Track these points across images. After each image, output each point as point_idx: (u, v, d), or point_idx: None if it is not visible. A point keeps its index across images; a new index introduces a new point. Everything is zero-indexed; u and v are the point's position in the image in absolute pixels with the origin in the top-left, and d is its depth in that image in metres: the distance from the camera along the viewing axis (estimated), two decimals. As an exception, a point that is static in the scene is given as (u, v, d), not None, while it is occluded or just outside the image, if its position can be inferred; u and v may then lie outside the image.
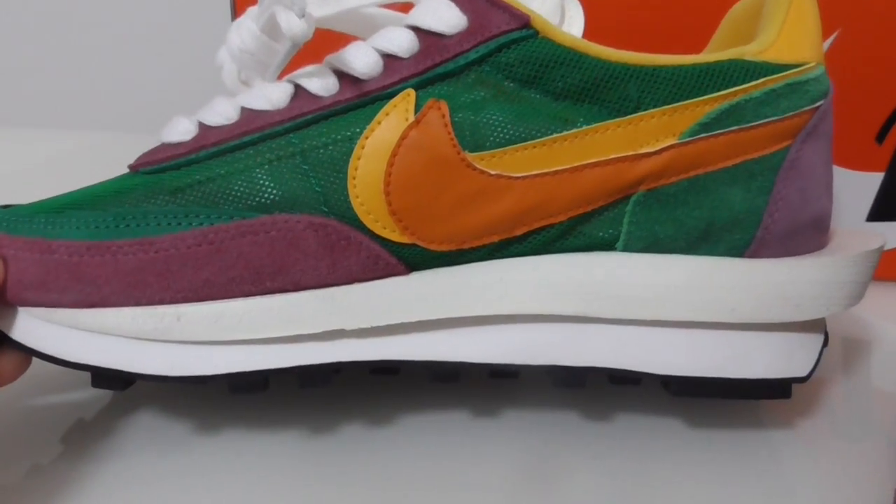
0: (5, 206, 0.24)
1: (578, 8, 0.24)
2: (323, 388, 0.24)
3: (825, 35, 0.32)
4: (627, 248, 0.24)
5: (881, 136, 0.33)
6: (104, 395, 0.27)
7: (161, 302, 0.23)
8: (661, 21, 0.32)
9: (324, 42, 0.26)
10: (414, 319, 0.23)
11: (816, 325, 0.25)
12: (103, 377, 0.23)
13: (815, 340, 0.24)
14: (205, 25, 0.24)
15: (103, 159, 0.24)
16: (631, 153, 0.23)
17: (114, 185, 0.24)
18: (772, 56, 0.23)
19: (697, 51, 0.27)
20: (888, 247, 0.36)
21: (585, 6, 0.25)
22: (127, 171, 0.25)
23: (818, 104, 0.24)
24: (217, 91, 0.26)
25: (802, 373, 0.24)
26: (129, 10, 0.64)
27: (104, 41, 0.66)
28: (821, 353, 0.25)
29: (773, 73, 0.23)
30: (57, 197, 0.24)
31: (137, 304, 0.23)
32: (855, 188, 0.35)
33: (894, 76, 0.33)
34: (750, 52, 0.23)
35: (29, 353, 0.23)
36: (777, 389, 0.24)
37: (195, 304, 0.23)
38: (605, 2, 0.25)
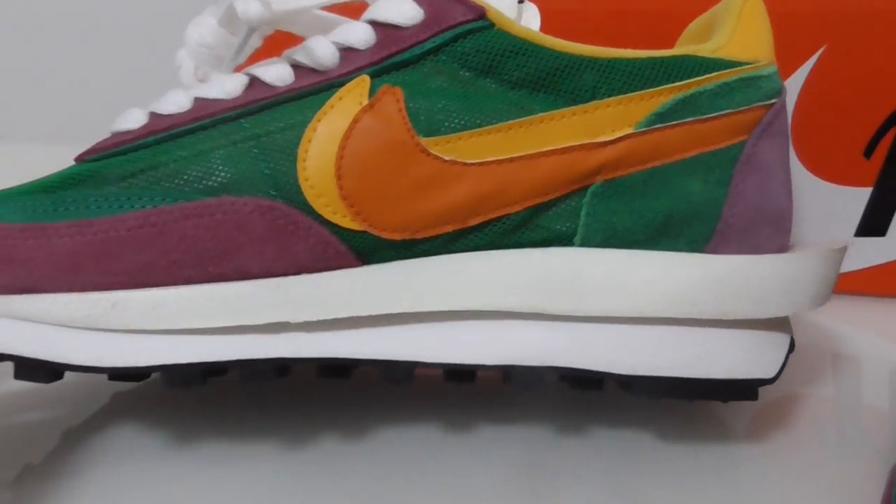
0: None
1: (535, 10, 0.25)
2: (265, 383, 0.22)
3: (811, 51, 0.33)
4: (586, 242, 0.23)
5: (869, 151, 0.34)
6: (74, 404, 0.25)
7: (96, 288, 0.21)
8: (619, 35, 0.32)
9: (285, 47, 0.26)
10: (365, 314, 0.22)
11: (782, 326, 0.24)
12: (27, 368, 0.22)
13: (782, 341, 0.24)
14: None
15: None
16: (587, 141, 0.23)
17: (58, 174, 0.23)
18: (725, 54, 0.24)
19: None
20: (878, 262, 0.35)
21: (543, 14, 0.26)
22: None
23: (772, 101, 0.24)
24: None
25: (769, 374, 0.23)
26: (115, 14, 0.64)
27: (81, 53, 0.66)
28: (787, 357, 0.24)
29: (725, 68, 0.23)
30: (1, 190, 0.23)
31: (71, 289, 0.21)
32: (843, 203, 0.35)
33: (881, 91, 0.33)
34: (703, 49, 0.24)
35: None
36: (743, 391, 0.23)
37: (132, 290, 0.22)
38: (561, 9, 0.26)
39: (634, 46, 0.24)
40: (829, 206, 0.35)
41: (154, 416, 0.25)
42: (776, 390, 0.28)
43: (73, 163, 0.24)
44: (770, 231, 0.24)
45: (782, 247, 0.24)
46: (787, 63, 0.33)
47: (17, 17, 0.67)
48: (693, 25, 0.28)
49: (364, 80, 0.23)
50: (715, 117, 0.23)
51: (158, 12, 0.62)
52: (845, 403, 0.28)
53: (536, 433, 0.25)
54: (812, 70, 0.32)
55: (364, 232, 0.22)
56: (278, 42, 0.26)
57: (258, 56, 0.26)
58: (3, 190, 0.23)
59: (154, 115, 0.24)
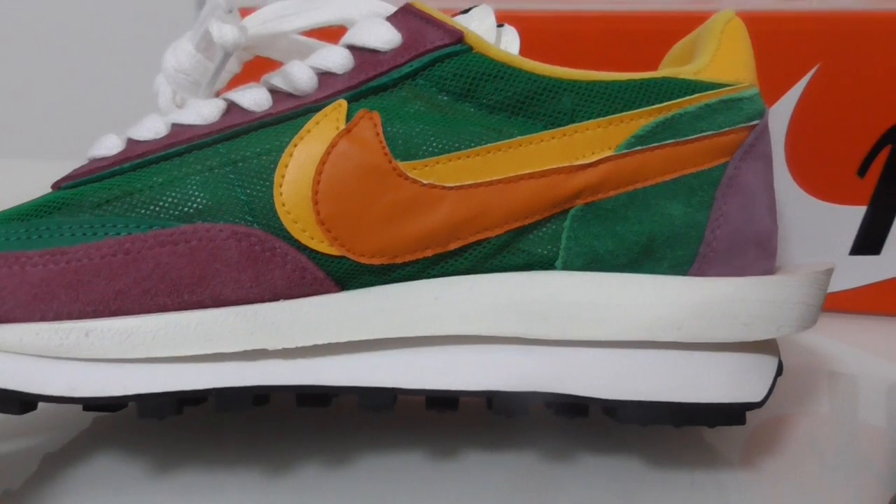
0: None
1: (514, 34, 0.25)
2: (240, 412, 0.22)
3: (805, 70, 0.33)
4: (567, 266, 0.23)
5: (863, 170, 0.33)
6: (52, 430, 0.25)
7: (69, 317, 0.21)
8: (619, 59, 0.32)
9: (265, 73, 0.25)
10: (343, 340, 0.22)
11: (769, 349, 0.23)
12: (2, 400, 0.21)
13: (769, 364, 0.23)
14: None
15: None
16: (566, 164, 0.22)
17: (33, 202, 0.23)
18: (706, 76, 0.24)
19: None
20: (873, 280, 0.35)
21: (540, 44, 0.26)
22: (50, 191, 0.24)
23: (754, 123, 0.24)
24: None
25: (757, 398, 0.23)
26: (96, 37, 0.65)
27: (66, 67, 0.66)
28: (775, 380, 0.23)
29: (707, 90, 0.23)
30: None
31: (43, 318, 0.21)
32: (838, 222, 0.34)
33: (875, 110, 0.33)
34: (684, 71, 0.24)
35: None
36: (731, 415, 0.23)
37: (106, 319, 0.21)
38: (560, 40, 0.26)
39: (619, 69, 0.24)
40: (823, 225, 0.34)
41: (134, 444, 0.25)
42: (770, 411, 0.27)
43: (48, 187, 0.24)
44: (755, 253, 0.24)
45: (767, 269, 0.24)
46: (781, 82, 0.33)
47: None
48: (676, 48, 0.28)
49: (341, 105, 0.22)
50: (696, 139, 0.23)
51: (140, 34, 0.62)
52: (841, 424, 0.27)
53: (523, 460, 0.24)
54: (805, 89, 0.32)
55: (342, 257, 0.22)
56: (258, 67, 0.26)
57: (237, 82, 0.26)
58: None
59: (131, 142, 0.23)
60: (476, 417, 0.26)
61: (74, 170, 0.23)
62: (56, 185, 0.23)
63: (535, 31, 0.27)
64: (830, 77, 0.33)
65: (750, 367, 0.23)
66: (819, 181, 0.34)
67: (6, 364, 0.21)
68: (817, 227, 0.34)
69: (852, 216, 0.34)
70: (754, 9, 0.32)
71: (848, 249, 0.35)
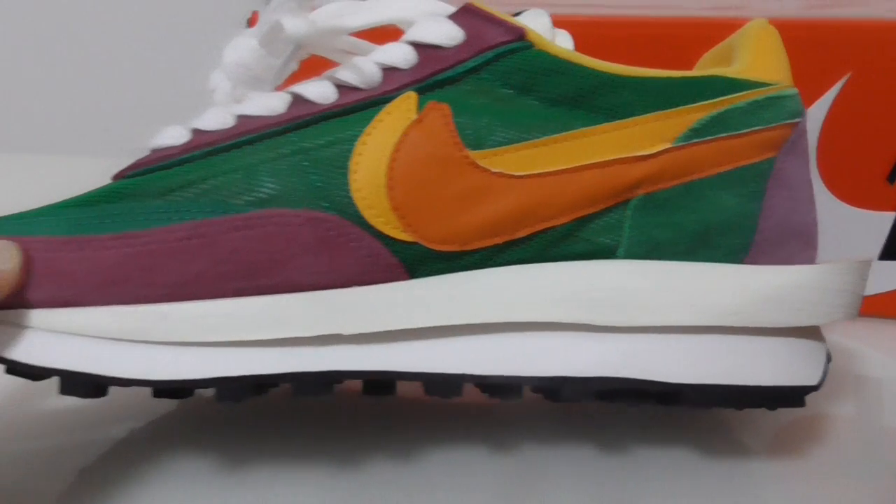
0: None
1: (568, 38, 0.26)
2: (318, 398, 0.22)
3: (836, 78, 0.34)
4: (629, 255, 0.24)
5: (893, 176, 0.34)
6: (117, 422, 0.24)
7: (145, 300, 0.21)
8: (647, 65, 0.33)
9: (319, 72, 0.26)
10: (413, 326, 0.22)
11: (817, 337, 0.24)
12: (73, 383, 0.21)
13: (819, 350, 0.24)
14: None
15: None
16: (628, 155, 0.23)
17: (98, 191, 0.23)
18: (749, 76, 0.25)
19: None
20: None
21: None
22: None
23: (796, 120, 0.25)
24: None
25: (813, 381, 0.23)
26: (147, 35, 0.64)
27: (121, 66, 0.65)
28: (826, 367, 0.24)
29: (753, 88, 0.24)
30: (37, 208, 0.23)
31: (118, 301, 0.21)
32: (867, 227, 0.35)
33: None
34: (730, 71, 0.25)
35: None
36: (790, 398, 0.23)
37: (181, 302, 0.21)
38: (591, 46, 0.27)
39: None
40: (853, 230, 0.35)
41: (195, 438, 0.24)
42: (796, 411, 0.28)
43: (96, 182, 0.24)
44: (799, 244, 0.25)
45: (810, 259, 0.25)
46: (813, 89, 0.34)
47: (47, 32, 0.66)
48: (708, 55, 0.29)
49: (411, 97, 0.23)
50: (746, 133, 0.24)
51: (188, 31, 0.62)
52: (866, 427, 0.28)
53: (582, 452, 0.25)
54: (837, 96, 0.33)
55: (414, 243, 0.22)
56: (312, 68, 0.27)
57: (294, 80, 0.26)
58: (44, 207, 0.23)
59: (197, 131, 0.23)
60: (535, 408, 0.26)
61: (137, 160, 0.23)
62: (119, 175, 0.23)
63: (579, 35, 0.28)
64: (861, 85, 0.34)
65: (804, 352, 0.24)
66: (849, 187, 0.35)
67: (79, 347, 0.21)
68: (847, 232, 0.35)
69: (881, 222, 0.35)
70: (787, 16, 0.33)
71: (877, 255, 0.36)
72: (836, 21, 0.34)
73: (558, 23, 0.26)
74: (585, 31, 0.33)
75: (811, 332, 0.24)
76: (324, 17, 0.25)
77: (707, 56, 0.29)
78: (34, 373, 0.20)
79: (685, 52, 0.29)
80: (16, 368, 0.21)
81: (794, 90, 0.25)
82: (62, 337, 0.21)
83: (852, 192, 0.35)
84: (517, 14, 0.26)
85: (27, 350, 0.20)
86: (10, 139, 0.67)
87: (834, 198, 0.35)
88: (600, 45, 0.34)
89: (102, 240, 0.21)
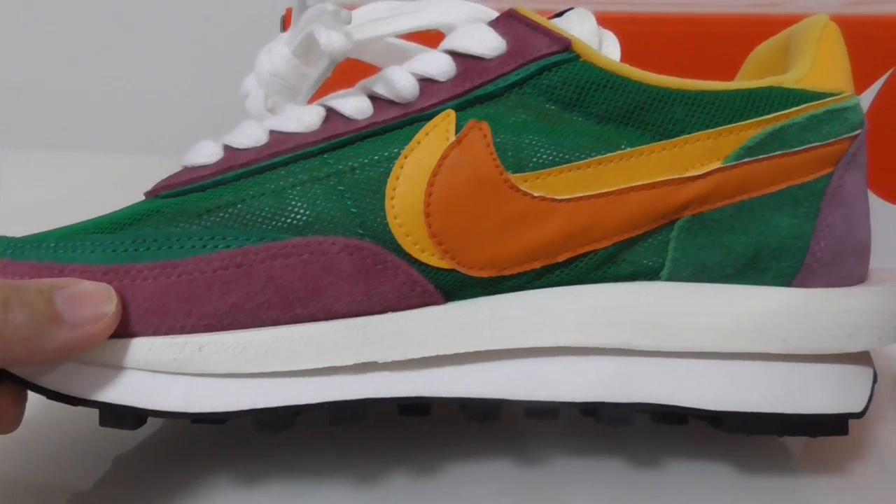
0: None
1: (615, 40, 0.24)
2: (354, 425, 0.22)
3: (879, 74, 0.33)
4: (673, 277, 0.23)
5: None
6: (120, 443, 0.24)
7: (181, 331, 0.21)
8: (684, 61, 0.32)
9: (352, 75, 0.25)
10: (451, 352, 0.22)
11: (866, 359, 0.24)
12: (113, 415, 0.21)
13: (867, 374, 0.23)
14: (253, 53, 0.24)
15: (142, 184, 0.23)
16: (676, 176, 0.22)
17: (131, 209, 0.22)
18: (808, 85, 0.23)
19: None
20: None
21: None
22: (143, 198, 0.23)
23: (857, 133, 0.24)
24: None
25: (858, 408, 0.23)
26: (174, 35, 0.64)
27: (148, 66, 0.66)
28: (873, 389, 0.23)
29: (812, 100, 0.23)
30: (66, 226, 0.22)
31: (155, 332, 0.21)
32: None
33: None
34: (787, 80, 0.23)
35: (27, 388, 0.21)
36: (834, 425, 0.23)
37: (219, 333, 0.21)
38: (630, 42, 0.26)
39: (688, 72, 0.23)
40: (893, 229, 0.34)
41: (224, 453, 0.24)
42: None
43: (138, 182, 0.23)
44: (854, 263, 0.24)
45: (863, 276, 0.24)
46: (855, 86, 0.33)
47: (73, 28, 0.66)
48: (761, 51, 0.27)
49: (450, 115, 0.22)
50: (803, 150, 0.23)
51: (222, 34, 0.61)
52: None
53: (613, 467, 0.24)
54: (879, 92, 0.32)
55: (452, 270, 0.22)
56: (347, 69, 0.26)
57: (326, 85, 0.25)
58: (74, 225, 0.22)
59: (230, 150, 0.23)
60: (568, 426, 0.26)
61: (171, 177, 0.23)
62: (152, 193, 0.23)
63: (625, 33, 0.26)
64: None
65: (850, 376, 0.23)
66: (891, 185, 0.34)
67: (120, 379, 0.21)
68: (888, 231, 0.34)
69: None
70: (827, 12, 0.32)
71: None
72: (877, 17, 0.33)
73: (601, 21, 0.25)
74: (628, 29, 0.31)
75: (860, 356, 0.23)
76: (359, 21, 0.24)
77: (760, 51, 0.27)
78: (73, 403, 0.21)
79: (728, 48, 0.28)
80: (57, 397, 0.21)
81: (856, 99, 0.24)
82: (100, 368, 0.21)
83: (893, 190, 0.34)
84: (560, 14, 0.25)
85: (66, 381, 0.21)
86: (30, 136, 0.68)
87: (875, 196, 0.34)
88: (643, 42, 0.33)
89: (140, 269, 0.21)
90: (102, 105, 0.68)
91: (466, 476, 0.24)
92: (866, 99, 0.33)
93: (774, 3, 0.35)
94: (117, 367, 0.21)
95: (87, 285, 0.20)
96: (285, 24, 0.36)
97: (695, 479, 0.24)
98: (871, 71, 0.33)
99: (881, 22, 0.33)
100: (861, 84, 0.33)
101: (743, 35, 0.28)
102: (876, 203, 0.34)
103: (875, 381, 0.24)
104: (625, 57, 0.25)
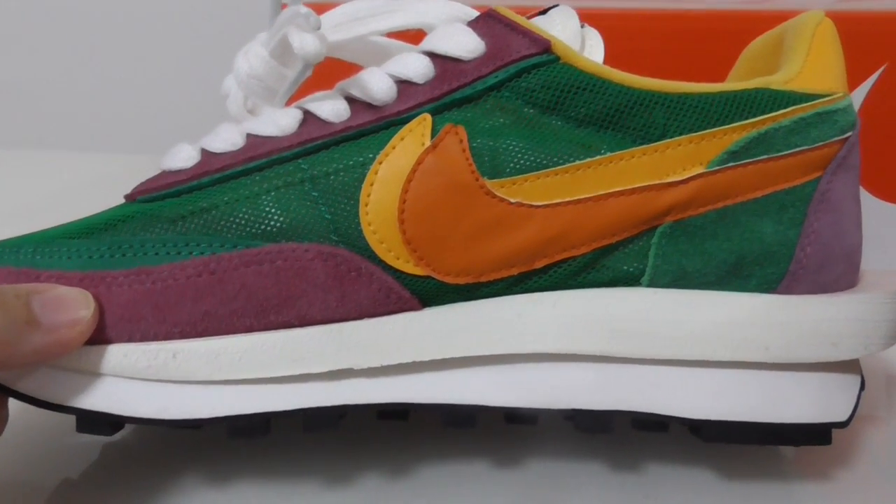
0: None
1: (598, 39, 0.24)
2: (328, 432, 0.22)
3: (871, 70, 0.32)
4: (654, 283, 0.22)
5: None
6: (94, 444, 0.25)
7: (155, 338, 0.21)
8: (676, 58, 0.32)
9: (332, 75, 0.25)
10: (427, 358, 0.22)
11: (853, 367, 0.23)
12: (90, 421, 0.21)
13: (853, 382, 0.23)
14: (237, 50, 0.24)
15: (132, 184, 0.23)
16: (657, 182, 0.22)
17: (108, 214, 0.22)
18: (798, 85, 0.23)
19: (715, 85, 0.27)
20: None
21: (604, 37, 0.25)
22: (123, 201, 0.23)
23: (847, 135, 0.23)
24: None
25: (842, 417, 0.23)
26: (166, 33, 0.64)
27: (139, 64, 0.66)
28: (859, 397, 0.23)
29: (801, 102, 0.22)
30: (46, 229, 0.23)
31: (130, 339, 0.21)
32: None
33: None
34: (776, 81, 0.23)
35: (5, 394, 0.21)
36: (816, 435, 0.23)
37: (193, 339, 0.21)
38: (622, 39, 0.25)
39: (682, 67, 0.23)
40: (887, 226, 0.34)
41: (195, 452, 0.24)
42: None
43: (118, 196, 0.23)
44: (842, 269, 0.23)
45: (852, 282, 0.24)
46: (848, 81, 0.32)
47: (51, 25, 0.66)
48: (754, 45, 0.27)
49: (426, 119, 0.22)
50: (789, 154, 0.22)
51: (206, 32, 0.61)
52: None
53: (577, 468, 0.24)
54: (872, 88, 0.32)
55: (427, 277, 0.22)
56: (327, 68, 0.25)
57: (308, 83, 0.25)
58: (54, 229, 0.22)
59: (206, 153, 0.23)
60: (543, 422, 0.26)
61: (149, 181, 0.23)
62: (130, 197, 0.23)
63: (598, 30, 0.26)
64: None
65: (834, 385, 0.23)
66: (884, 182, 0.33)
67: (97, 386, 0.21)
68: (881, 229, 0.34)
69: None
70: (820, 8, 0.31)
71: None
72: (869, 13, 0.32)
73: (584, 17, 0.24)
74: (618, 25, 0.31)
75: (846, 363, 0.23)
76: (338, 20, 0.24)
77: (754, 47, 0.27)
78: (51, 409, 0.21)
79: (720, 44, 0.27)
80: (35, 402, 0.21)
81: (848, 100, 0.23)
82: (77, 375, 0.21)
83: (887, 187, 0.33)
84: (544, 12, 0.24)
85: (44, 387, 0.21)
86: (19, 136, 0.68)
87: (868, 193, 0.34)
88: (634, 39, 0.32)
89: (116, 276, 0.21)
90: (92, 104, 0.68)
91: (443, 477, 0.24)
92: (859, 95, 0.32)
93: (767, -2, 0.34)
94: (94, 374, 0.21)
95: (64, 290, 0.20)
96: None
97: (686, 479, 0.24)
98: (865, 67, 0.32)
99: (874, 17, 0.32)
100: (854, 80, 0.32)
101: (735, 31, 0.27)
102: (868, 200, 0.34)
103: (862, 388, 0.23)
104: (613, 54, 0.24)
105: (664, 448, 0.25)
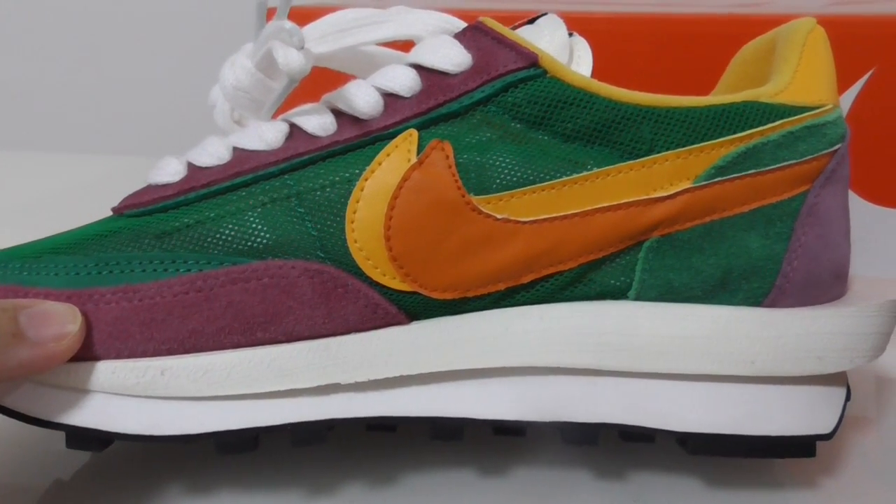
0: None
1: (587, 48, 0.24)
2: (317, 445, 0.22)
3: (860, 74, 0.32)
4: (640, 297, 0.22)
5: None
6: (80, 457, 0.25)
7: (143, 354, 0.21)
8: (668, 62, 0.31)
9: (320, 82, 0.25)
10: (414, 372, 0.22)
11: (839, 379, 0.23)
12: (79, 438, 0.21)
13: (838, 395, 0.23)
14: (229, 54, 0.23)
15: (132, 186, 0.23)
16: (644, 197, 0.22)
17: (95, 228, 0.22)
18: (787, 98, 0.23)
19: (706, 92, 0.26)
20: None
21: (593, 47, 0.25)
22: (110, 213, 0.23)
23: (836, 147, 0.23)
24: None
25: (826, 429, 0.23)
26: (166, 34, 0.64)
27: (138, 65, 0.66)
28: (844, 409, 0.23)
29: (789, 116, 0.22)
30: (34, 242, 0.23)
31: (118, 356, 0.21)
32: (893, 226, 0.34)
33: None
34: (765, 94, 0.23)
35: None
36: (800, 447, 0.23)
37: (180, 356, 0.21)
38: (613, 43, 0.25)
39: (673, 72, 0.22)
40: (878, 230, 0.34)
41: (179, 463, 0.25)
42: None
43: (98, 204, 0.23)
44: (829, 281, 0.23)
45: (839, 294, 0.24)
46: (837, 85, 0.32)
47: (47, 27, 0.66)
48: (746, 50, 0.26)
49: (412, 135, 0.22)
50: (777, 169, 0.22)
51: (193, 39, 0.61)
52: (889, 429, 0.27)
53: (563, 477, 0.24)
54: (860, 92, 0.31)
55: (414, 293, 0.22)
56: (314, 76, 0.25)
57: (296, 92, 0.25)
58: (43, 241, 0.22)
59: (192, 168, 0.23)
60: (537, 439, 0.26)
61: (136, 195, 0.23)
62: (118, 211, 0.23)
63: (589, 34, 0.26)
64: (885, 81, 0.32)
65: (820, 398, 0.23)
66: (874, 185, 0.33)
67: (86, 403, 0.21)
68: (872, 232, 0.34)
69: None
70: (810, 12, 0.31)
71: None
72: (860, 17, 0.32)
73: (576, 21, 0.24)
74: (609, 30, 0.30)
75: (832, 376, 0.23)
76: (325, 30, 0.24)
77: (746, 51, 0.26)
78: (41, 425, 0.21)
79: (711, 49, 0.27)
80: (24, 419, 0.21)
81: (837, 112, 0.23)
82: (66, 392, 0.21)
83: (877, 191, 0.33)
84: (531, 21, 0.24)
85: (33, 404, 0.21)
86: (18, 138, 0.67)
87: (857, 197, 0.33)
88: (625, 43, 0.32)
89: (103, 293, 0.21)
90: (90, 107, 0.68)
91: (431, 486, 0.24)
92: (847, 99, 0.32)
93: (756, 2, 0.33)
94: (83, 391, 0.21)
95: (51, 305, 0.21)
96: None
97: (674, 487, 0.24)
98: (853, 71, 0.32)
99: (863, 22, 0.32)
100: (843, 83, 0.32)
101: (726, 35, 0.27)
102: (858, 204, 0.34)
103: (848, 399, 0.23)
104: (604, 59, 0.24)
105: (652, 456, 0.25)
